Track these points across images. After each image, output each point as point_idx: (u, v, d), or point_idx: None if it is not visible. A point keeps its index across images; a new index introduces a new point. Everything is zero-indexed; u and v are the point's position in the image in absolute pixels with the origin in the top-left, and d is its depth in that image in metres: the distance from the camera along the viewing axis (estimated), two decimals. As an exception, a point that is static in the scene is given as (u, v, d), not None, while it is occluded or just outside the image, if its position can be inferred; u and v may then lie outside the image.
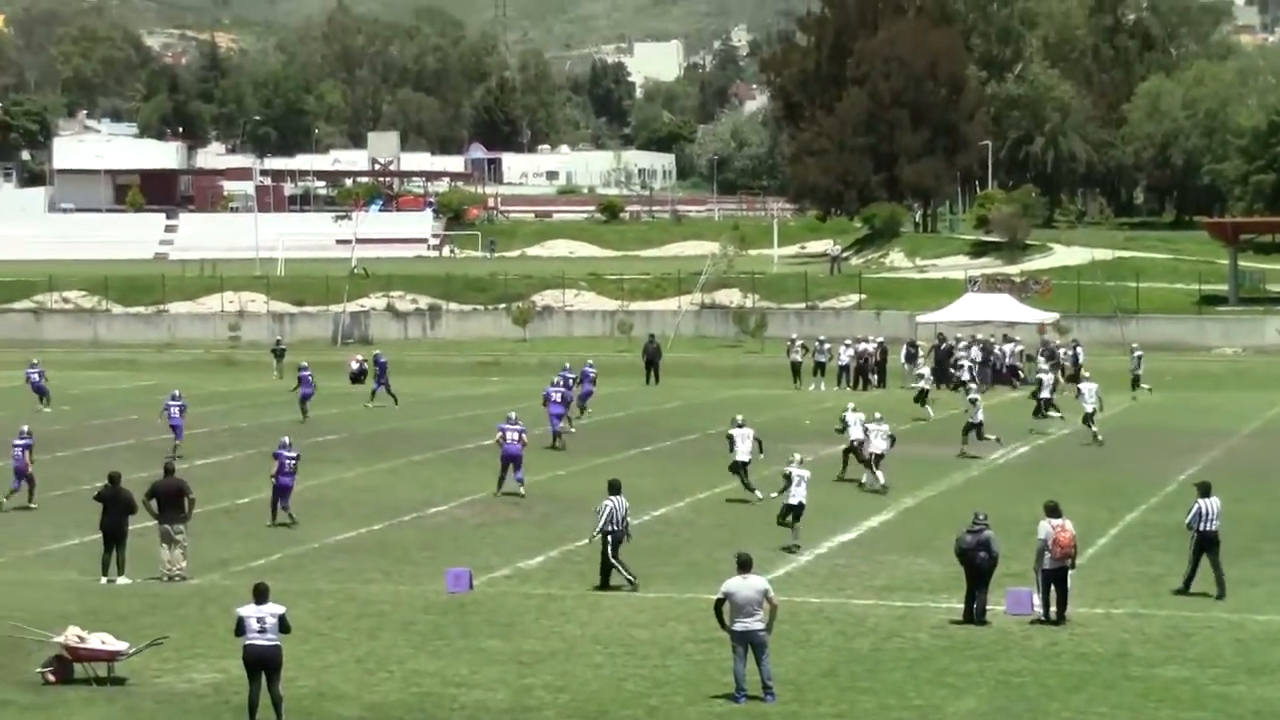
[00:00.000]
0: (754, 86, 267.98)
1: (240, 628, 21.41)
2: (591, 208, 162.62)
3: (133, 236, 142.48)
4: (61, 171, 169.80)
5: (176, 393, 49.41)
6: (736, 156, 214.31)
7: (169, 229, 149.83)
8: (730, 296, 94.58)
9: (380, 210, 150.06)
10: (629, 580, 29.37)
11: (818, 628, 26.45)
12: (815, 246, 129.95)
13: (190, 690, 23.26)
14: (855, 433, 41.30)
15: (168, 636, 25.19)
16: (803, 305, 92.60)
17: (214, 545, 33.32)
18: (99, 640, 23.74)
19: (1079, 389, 50.97)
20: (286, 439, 36.84)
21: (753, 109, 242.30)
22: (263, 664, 21.30)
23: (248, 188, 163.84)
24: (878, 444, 40.17)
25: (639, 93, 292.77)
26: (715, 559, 31.72)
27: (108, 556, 30.30)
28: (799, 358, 68.08)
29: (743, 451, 38.90)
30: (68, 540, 34.27)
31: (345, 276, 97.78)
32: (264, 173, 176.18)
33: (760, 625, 22.38)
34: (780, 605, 23.16)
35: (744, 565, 22.73)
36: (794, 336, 72.38)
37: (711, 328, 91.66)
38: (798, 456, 34.78)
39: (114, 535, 30.28)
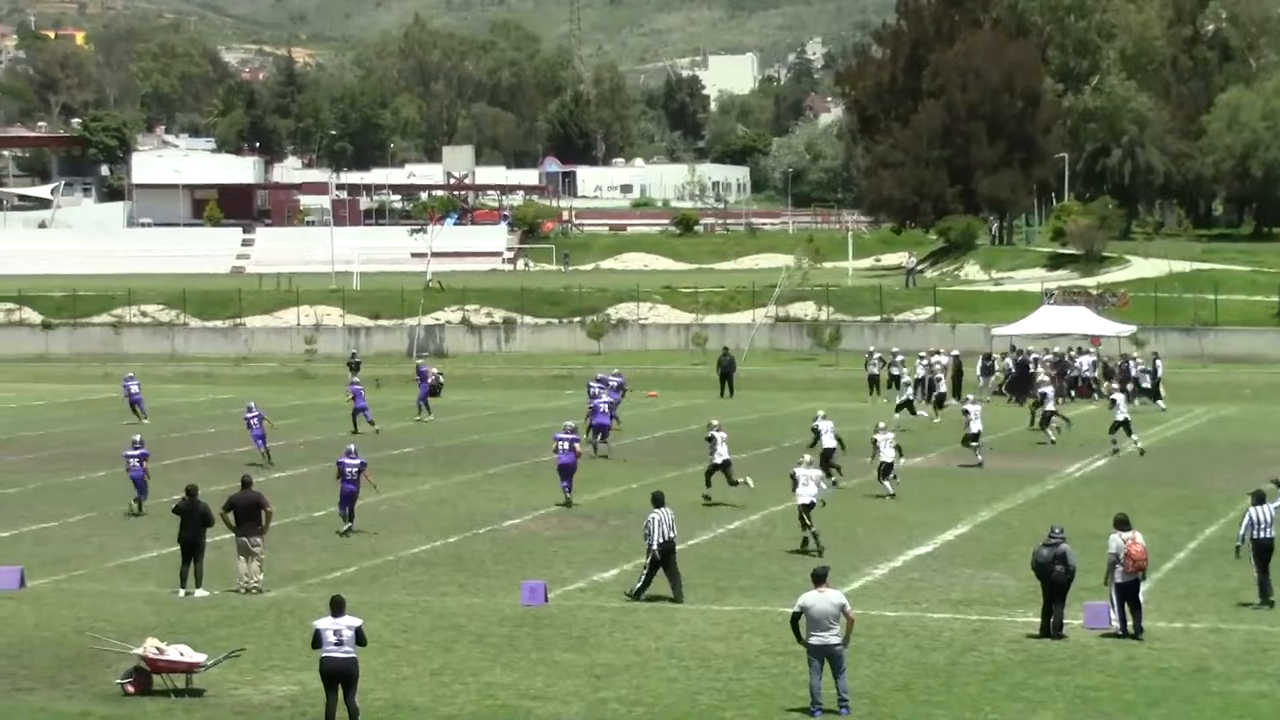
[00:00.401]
0: (829, 99, 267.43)
1: (317, 640, 21.50)
2: (666, 221, 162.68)
3: (210, 251, 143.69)
4: (140, 186, 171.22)
5: (252, 404, 49.98)
6: (811, 169, 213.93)
7: (246, 243, 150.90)
8: (805, 309, 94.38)
9: (455, 224, 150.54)
10: (676, 592, 29.58)
11: (893, 641, 26.35)
12: (890, 259, 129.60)
13: (267, 702, 23.37)
14: (828, 441, 42.40)
15: (245, 648, 25.34)
16: (877, 318, 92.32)
17: (290, 558, 33.49)
18: (177, 652, 23.88)
19: (1112, 399, 51.39)
20: (351, 447, 37.40)
21: (827, 122, 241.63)
22: (339, 676, 21.37)
23: (324, 202, 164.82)
24: (887, 453, 40.67)
25: (713, 106, 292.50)
26: (790, 572, 31.68)
27: (185, 569, 30.48)
28: (876, 370, 67.89)
29: (721, 453, 40.43)
30: (146, 553, 34.51)
31: (420, 290, 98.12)
32: (340, 187, 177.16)
33: (837, 639, 22.33)
34: (856, 619, 23.09)
35: (820, 579, 22.68)
36: (872, 349, 72.18)
37: (786, 341, 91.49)
38: (806, 458, 35.81)
39: (191, 548, 30.45)
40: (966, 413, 47.28)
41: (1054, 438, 51.82)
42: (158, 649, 23.82)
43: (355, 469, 36.28)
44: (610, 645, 26.37)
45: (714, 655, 25.65)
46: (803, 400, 67.38)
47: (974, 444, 46.90)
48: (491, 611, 28.75)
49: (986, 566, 32.41)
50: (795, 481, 34.24)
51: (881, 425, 42.99)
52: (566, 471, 40.21)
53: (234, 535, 30.72)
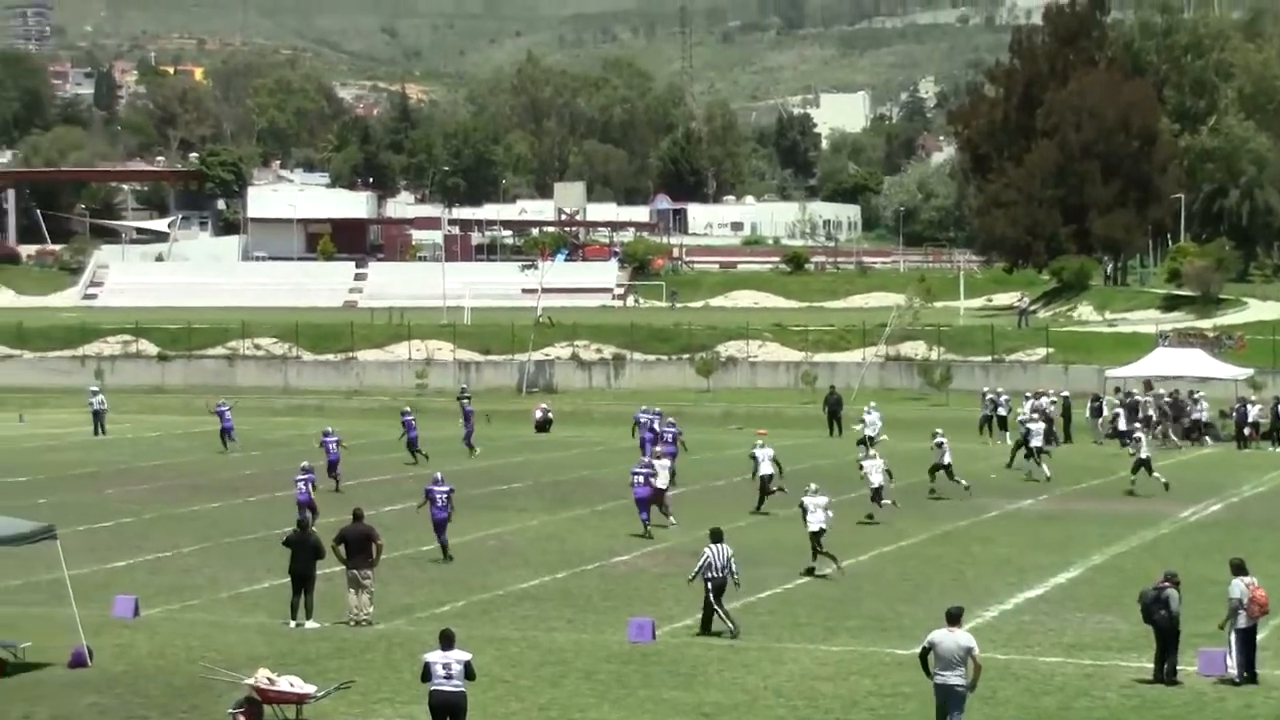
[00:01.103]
0: (941, 138, 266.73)
1: (426, 673, 21.56)
2: (776, 258, 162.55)
3: (323, 284, 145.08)
4: (255, 220, 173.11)
5: (329, 429, 52.45)
6: (923, 208, 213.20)
7: (358, 277, 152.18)
8: (915, 349, 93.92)
9: (566, 260, 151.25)
10: (730, 629, 29.58)
11: (1004, 685, 26.10)
12: (1002, 299, 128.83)
13: (376, 734, 23.46)
14: (765, 468, 45.72)
15: (355, 680, 25.45)
16: (989, 358, 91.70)
17: (400, 591, 33.64)
18: (288, 683, 24.02)
19: (1136, 436, 52.02)
20: (439, 475, 38.38)
21: (940, 160, 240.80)
22: (448, 710, 21.42)
23: (436, 237, 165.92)
24: (875, 478, 42.36)
25: (825, 144, 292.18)
26: (898, 612, 31.51)
27: (296, 600, 30.67)
28: (988, 411, 67.43)
29: (663, 480, 43.76)
30: (259, 584, 34.78)
31: (530, 325, 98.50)
32: (452, 222, 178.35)
33: (959, 680, 22.08)
34: (983, 665, 22.80)
35: (953, 619, 22.45)
36: (985, 390, 71.65)
37: (896, 380, 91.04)
38: (813, 486, 37.20)
39: (302, 580, 30.64)
40: (940, 445, 48.64)
41: (1049, 474, 52.56)
42: (269, 679, 23.98)
43: (444, 495, 37.07)
44: (718, 683, 26.29)
45: (822, 695, 25.53)
46: (912, 439, 66.95)
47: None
48: (599, 648, 28.75)
49: (1099, 610, 32.07)
50: (804, 510, 35.88)
51: (872, 453, 45.13)
52: (644, 504, 41.27)
53: (344, 568, 30.91)
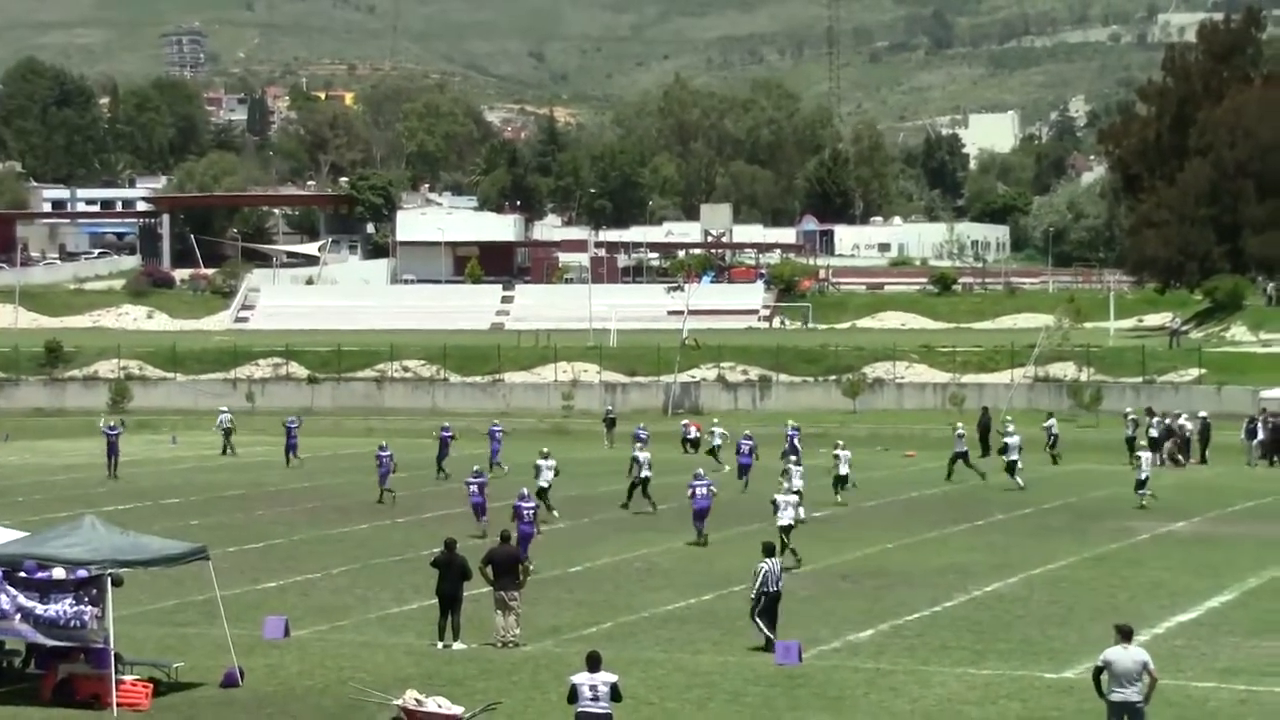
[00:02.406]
0: (1091, 157, 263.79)
1: (573, 695, 21.59)
2: (923, 279, 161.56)
3: (471, 307, 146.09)
4: (404, 243, 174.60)
5: (384, 444, 55.51)
6: (1073, 228, 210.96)
7: (505, 299, 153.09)
8: (1065, 370, 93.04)
9: (712, 282, 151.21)
10: (767, 640, 30.05)
11: (1157, 711, 25.58)
12: (1153, 319, 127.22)
13: (522, 755, 23.53)
14: (646, 471, 50.56)
15: (501, 701, 25.55)
16: (1140, 379, 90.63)
17: (547, 613, 33.74)
18: (435, 704, 24.15)
19: (1138, 455, 53.55)
20: (524, 490, 40.20)
21: (1090, 180, 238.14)
22: (594, 731, 21.44)
23: (582, 259, 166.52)
24: (784, 515, 40.46)
25: (973, 164, 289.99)
26: (1048, 636, 31.18)
27: (443, 621, 30.82)
28: (1131, 432, 66.78)
29: (646, 468, 50.01)
30: (407, 605, 35.01)
31: (676, 347, 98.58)
32: (598, 244, 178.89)
33: (1138, 697, 21.94)
34: (1159, 678, 22.59)
35: (1126, 635, 22.26)
36: (1127, 411, 70.92)
37: (1045, 401, 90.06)
38: (785, 484, 42.24)
39: (450, 601, 30.78)
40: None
41: (1022, 484, 55.12)
42: (417, 700, 24.13)
43: (531, 510, 39.02)
44: (865, 707, 26.13)
45: (971, 720, 25.31)
46: (1062, 461, 66.32)
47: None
48: (746, 670, 28.67)
49: (1254, 635, 31.54)
50: (776, 506, 39.70)
51: (786, 486, 44.19)
52: (700, 514, 43.52)
53: (492, 589, 31.04)
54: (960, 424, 58.05)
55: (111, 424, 65.83)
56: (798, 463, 51.00)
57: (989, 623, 32.90)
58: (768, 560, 30.30)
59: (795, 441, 62.96)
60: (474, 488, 44.76)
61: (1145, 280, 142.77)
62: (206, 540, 32.26)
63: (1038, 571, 39.06)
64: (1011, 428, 59.52)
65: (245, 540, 44.48)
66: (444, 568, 30.93)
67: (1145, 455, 53.33)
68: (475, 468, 45.74)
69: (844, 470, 53.13)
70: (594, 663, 21.73)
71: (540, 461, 49.80)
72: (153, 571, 30.73)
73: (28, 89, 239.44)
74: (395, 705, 24.21)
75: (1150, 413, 69.13)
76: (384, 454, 54.02)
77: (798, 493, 43.18)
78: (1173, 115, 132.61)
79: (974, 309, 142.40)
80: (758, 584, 30.10)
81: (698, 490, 43.63)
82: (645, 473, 50.65)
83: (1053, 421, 68.48)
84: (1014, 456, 56.06)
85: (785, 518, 39.36)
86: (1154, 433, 66.20)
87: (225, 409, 76.73)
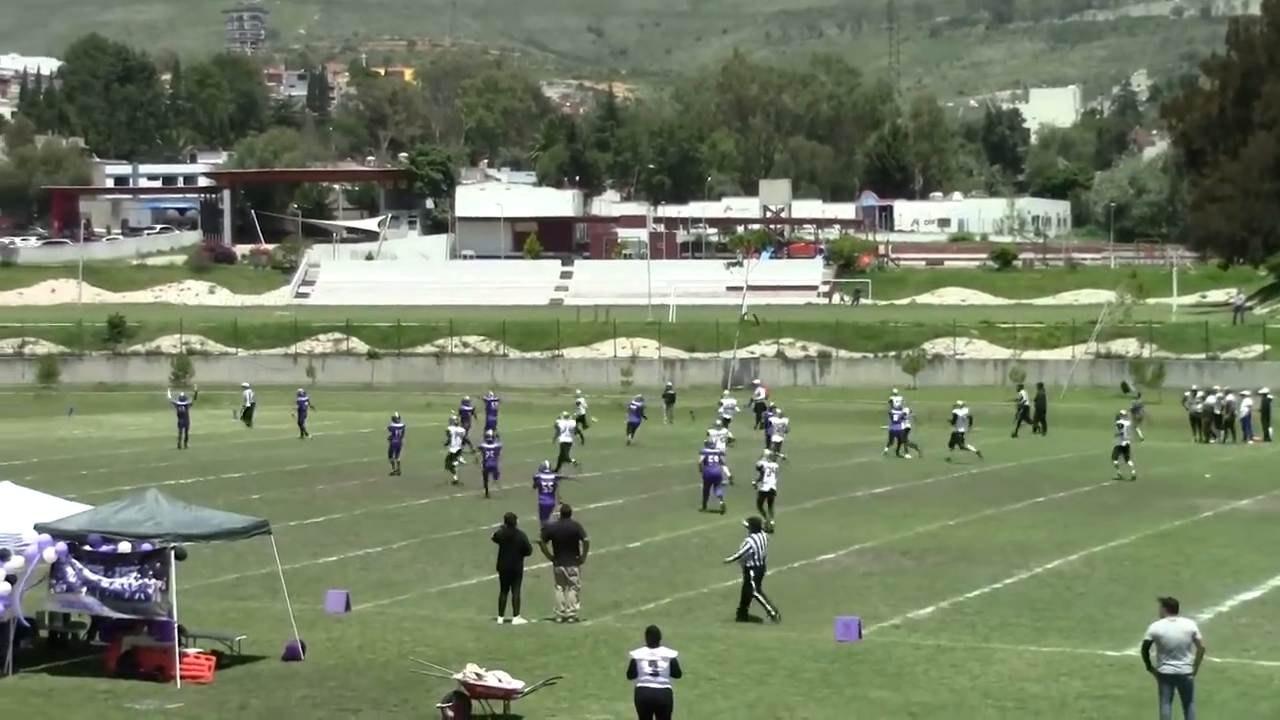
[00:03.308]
0: (1154, 132, 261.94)
1: (633, 670, 21.60)
2: (984, 255, 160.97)
3: (530, 282, 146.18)
4: (463, 219, 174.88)
5: (397, 415, 56.56)
6: (1135, 204, 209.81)
7: (564, 275, 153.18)
8: (1127, 346, 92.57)
9: (771, 258, 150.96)
10: (770, 613, 30.38)
11: (1219, 689, 25.56)
12: (1216, 295, 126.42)
13: (582, 730, 23.58)
14: (565, 438, 53.59)
15: (561, 676, 25.61)
16: (1203, 356, 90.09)
17: (606, 588, 33.78)
18: (496, 678, 24.22)
19: (1119, 424, 53.27)
20: (545, 463, 41.56)
21: (1152, 155, 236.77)
22: (654, 707, 21.43)
23: (641, 235, 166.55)
24: (767, 481, 42.23)
25: (1034, 139, 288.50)
26: (1110, 614, 31.05)
27: (504, 596, 30.88)
28: (1197, 408, 66.45)
29: (566, 433, 53.56)
30: (467, 580, 35.11)
31: (735, 323, 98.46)
32: (657, 220, 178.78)
33: (1189, 668, 21.98)
34: (1207, 647, 22.61)
35: (1171, 608, 22.27)
36: (1195, 388, 70.52)
37: (1106, 378, 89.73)
38: (767, 452, 45.44)
39: (510, 576, 30.85)
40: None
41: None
42: (477, 674, 24.20)
43: (550, 482, 40.15)
44: (925, 684, 26.07)
45: (1031, 697, 25.20)
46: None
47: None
48: (805, 646, 28.64)
49: (1318, 614, 31.35)
50: (761, 472, 41.80)
51: (767, 452, 46.43)
52: (715, 482, 45.07)
53: (552, 564, 31.09)
54: (961, 401, 60.15)
55: (182, 395, 67.73)
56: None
57: (1050, 600, 32.78)
58: (753, 535, 30.72)
59: (904, 422, 59.63)
60: (489, 453, 47.21)
61: (1208, 256, 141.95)
62: (268, 514, 32.40)
63: (1099, 549, 38.89)
64: (961, 402, 60.46)
65: (306, 515, 44.68)
66: (504, 543, 30.99)
67: (1125, 424, 53.45)
68: (488, 432, 47.44)
69: (961, 429, 54.99)
70: (654, 638, 21.73)
71: (560, 421, 54.73)
72: (215, 545, 30.87)
73: (91, 66, 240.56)
74: (455, 679, 24.28)
75: (1196, 392, 68.74)
76: (396, 425, 54.96)
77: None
78: (1236, 89, 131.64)
79: (1034, 285, 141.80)
80: (740, 553, 30.77)
81: (710, 457, 44.94)
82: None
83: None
84: (961, 429, 57.52)
85: (768, 484, 41.61)
86: (1198, 408, 66.07)
87: (247, 385, 77.17)
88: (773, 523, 40.20)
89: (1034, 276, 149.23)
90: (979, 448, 58.28)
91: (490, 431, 55.22)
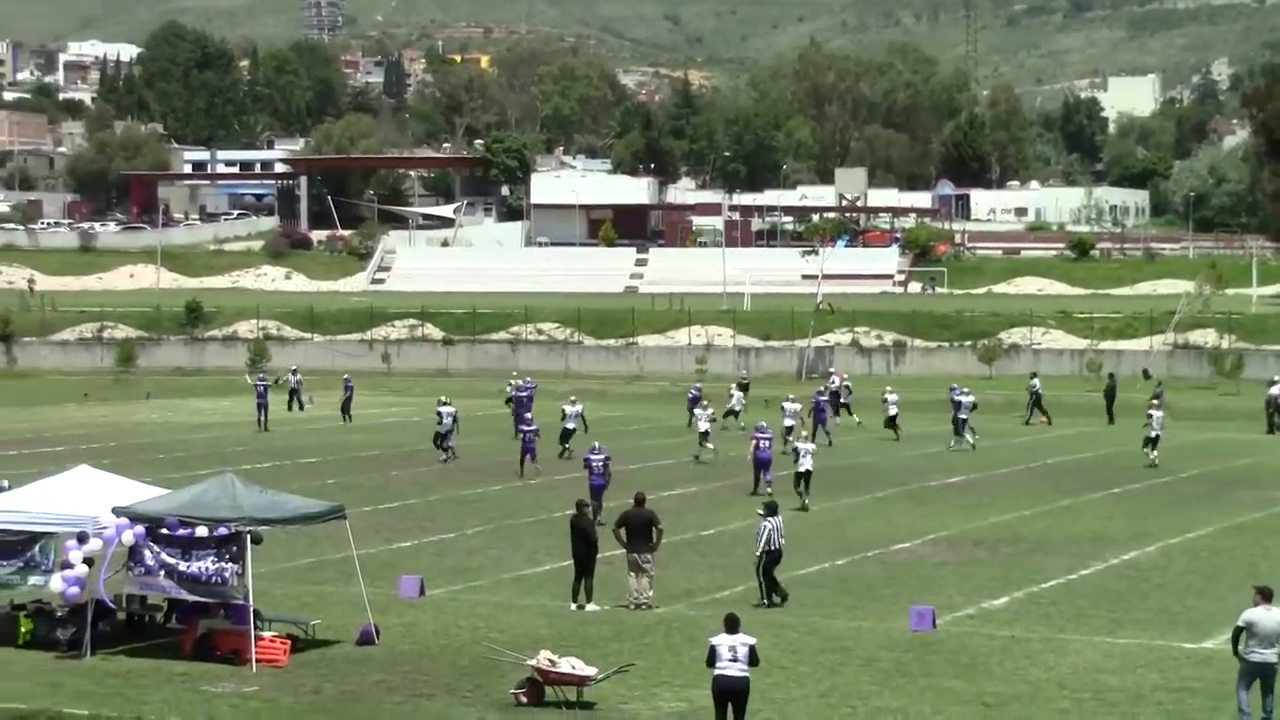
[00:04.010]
0: (1234, 121, 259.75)
1: (712, 656, 21.57)
2: (1061, 245, 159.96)
3: (604, 270, 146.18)
4: (538, 206, 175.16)
5: (444, 398, 56.97)
6: (1214, 193, 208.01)
7: (639, 263, 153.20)
8: (1205, 337, 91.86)
9: (846, 246, 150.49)
10: (764, 599, 30.81)
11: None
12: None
13: (656, 718, 23.58)
14: (570, 424, 55.36)
15: (634, 664, 25.60)
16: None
17: (679, 575, 33.77)
18: (569, 665, 24.25)
19: (1148, 413, 53.59)
20: (596, 444, 41.96)
21: (1232, 144, 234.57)
22: (732, 694, 21.40)
23: (716, 223, 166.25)
24: (804, 462, 43.46)
25: (1112, 128, 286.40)
26: (1187, 606, 30.84)
27: (577, 584, 30.93)
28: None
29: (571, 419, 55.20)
30: (540, 566, 35.17)
31: (811, 312, 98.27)
32: (732, 208, 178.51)
33: (1276, 658, 21.90)
34: None
35: (1266, 596, 22.17)
36: (1276, 378, 69.83)
37: (1184, 368, 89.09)
38: (804, 433, 48.22)
39: (583, 562, 30.93)
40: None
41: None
42: (550, 661, 24.23)
43: (601, 463, 40.38)
44: (1000, 674, 25.95)
45: (1107, 689, 25.04)
46: (1200, 430, 65.57)
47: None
48: (880, 635, 28.57)
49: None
50: (798, 453, 43.35)
51: (804, 435, 49.51)
52: (766, 467, 45.74)
53: (625, 551, 31.10)
54: (962, 385, 62.26)
55: (262, 377, 68.33)
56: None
57: (1126, 591, 32.57)
58: (770, 519, 30.76)
59: (961, 412, 59.71)
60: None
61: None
62: (342, 499, 32.54)
63: (1175, 540, 38.63)
64: (890, 388, 63.91)
65: (380, 500, 44.85)
66: (577, 529, 31.03)
67: (1156, 414, 53.55)
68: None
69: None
70: (732, 625, 21.70)
71: (566, 407, 56.24)
72: (290, 530, 31.04)
73: (169, 52, 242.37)
74: (529, 665, 24.33)
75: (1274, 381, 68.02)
76: (443, 408, 55.05)
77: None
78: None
79: (1112, 275, 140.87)
80: (762, 543, 30.69)
81: (761, 441, 45.80)
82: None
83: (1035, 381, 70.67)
84: (892, 412, 61.55)
85: (805, 464, 42.90)
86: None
87: (295, 369, 77.63)
88: (808, 502, 42.47)
89: (1111, 266, 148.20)
90: (974, 440, 58.67)
91: (528, 415, 56.56)
